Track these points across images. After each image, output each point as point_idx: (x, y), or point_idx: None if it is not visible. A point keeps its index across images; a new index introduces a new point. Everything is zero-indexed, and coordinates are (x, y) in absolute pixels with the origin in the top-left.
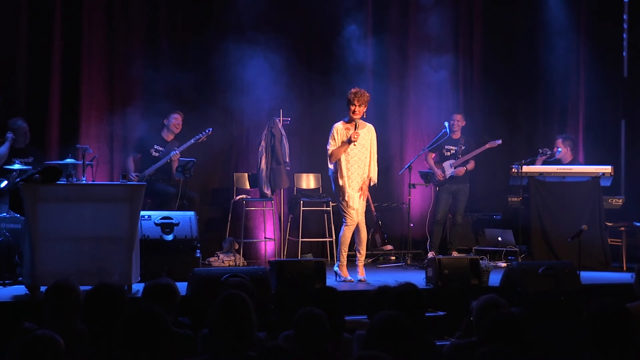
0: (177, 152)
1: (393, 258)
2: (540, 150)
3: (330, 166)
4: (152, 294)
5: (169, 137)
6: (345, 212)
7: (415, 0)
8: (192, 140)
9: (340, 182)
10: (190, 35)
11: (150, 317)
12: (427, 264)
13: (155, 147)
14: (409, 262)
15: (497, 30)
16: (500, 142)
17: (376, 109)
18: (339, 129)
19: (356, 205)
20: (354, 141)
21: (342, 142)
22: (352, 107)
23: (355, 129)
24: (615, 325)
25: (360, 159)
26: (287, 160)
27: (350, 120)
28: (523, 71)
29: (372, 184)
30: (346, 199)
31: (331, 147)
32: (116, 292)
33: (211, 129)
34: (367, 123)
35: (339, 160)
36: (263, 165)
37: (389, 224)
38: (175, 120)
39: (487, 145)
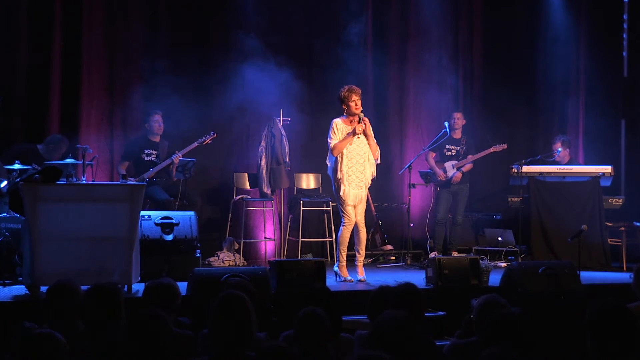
0: (179, 154)
1: (393, 258)
2: (539, 157)
3: (329, 162)
4: (153, 294)
5: (155, 138)
6: (343, 212)
7: (415, 1)
8: (195, 143)
9: (339, 176)
10: (190, 36)
11: (152, 321)
12: (427, 264)
13: (146, 151)
14: (409, 262)
15: (497, 31)
16: (505, 146)
17: (376, 109)
18: (339, 124)
19: (351, 201)
20: (359, 133)
21: (347, 134)
22: (353, 102)
23: (359, 122)
24: (617, 326)
25: (359, 153)
26: (287, 160)
27: (351, 116)
28: (523, 71)
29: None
30: (341, 193)
31: (333, 140)
32: (112, 293)
33: (215, 133)
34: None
35: (340, 154)
36: (263, 165)
37: (389, 224)
38: (156, 122)
39: (492, 149)
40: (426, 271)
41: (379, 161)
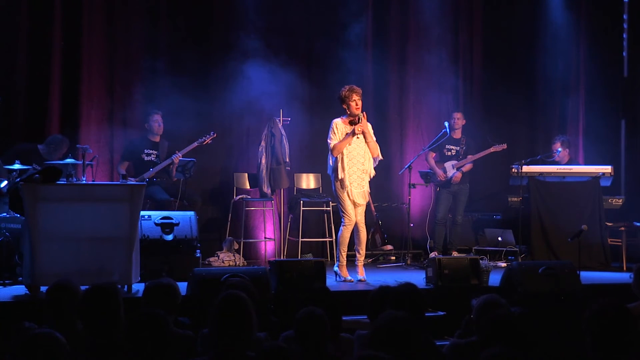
0: (179, 154)
1: (393, 258)
2: (539, 157)
3: (330, 162)
4: (153, 294)
5: (155, 138)
6: (343, 212)
7: (415, 1)
8: (195, 143)
9: (341, 176)
10: (190, 36)
11: (152, 320)
12: (427, 264)
13: (146, 151)
14: (409, 262)
15: (497, 31)
16: (505, 146)
17: (376, 109)
18: (339, 124)
19: (358, 199)
20: (358, 133)
21: (346, 135)
22: (353, 102)
23: (359, 122)
24: (616, 326)
25: (359, 153)
26: (287, 160)
27: (351, 116)
28: (523, 71)
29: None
30: (346, 192)
31: (333, 140)
32: (110, 293)
33: (215, 133)
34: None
35: (340, 154)
36: (263, 165)
37: (389, 224)
38: (156, 122)
39: (492, 149)
40: (426, 271)
41: (380, 157)
